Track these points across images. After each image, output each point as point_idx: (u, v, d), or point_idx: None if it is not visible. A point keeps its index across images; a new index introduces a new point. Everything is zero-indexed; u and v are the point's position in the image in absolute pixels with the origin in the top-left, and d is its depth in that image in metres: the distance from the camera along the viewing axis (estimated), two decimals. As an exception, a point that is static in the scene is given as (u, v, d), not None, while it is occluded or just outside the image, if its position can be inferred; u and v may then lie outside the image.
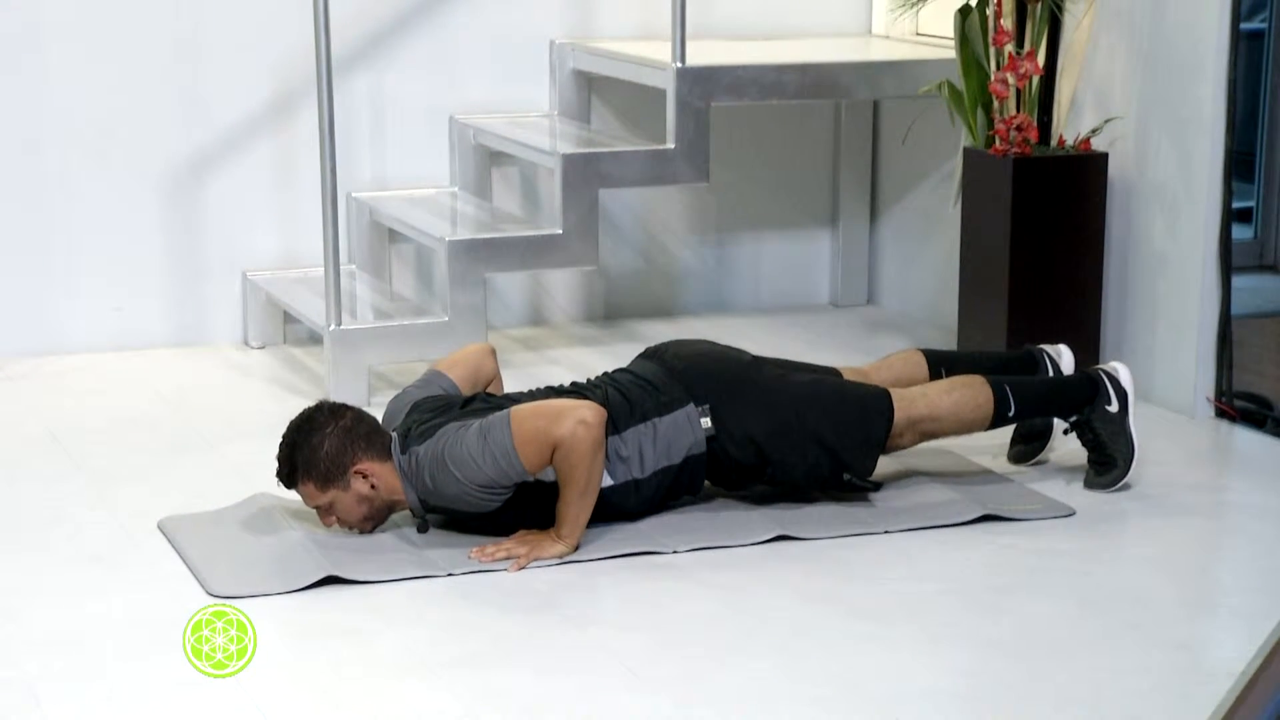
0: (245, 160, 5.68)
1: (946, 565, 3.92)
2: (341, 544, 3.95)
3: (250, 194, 5.69)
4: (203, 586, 3.75)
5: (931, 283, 5.97)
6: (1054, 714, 3.25)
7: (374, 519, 4.00)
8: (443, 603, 3.72)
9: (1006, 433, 4.56)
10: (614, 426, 4.00)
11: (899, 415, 4.15)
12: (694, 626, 3.60)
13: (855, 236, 6.29)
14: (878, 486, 4.21)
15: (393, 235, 5.74)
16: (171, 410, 5.05)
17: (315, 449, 3.91)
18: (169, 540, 4.02)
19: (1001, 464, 4.53)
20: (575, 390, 4.12)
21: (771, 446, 4.09)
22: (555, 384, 4.26)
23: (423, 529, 4.00)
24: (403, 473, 3.94)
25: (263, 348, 5.68)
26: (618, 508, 4.03)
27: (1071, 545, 4.04)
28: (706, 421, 4.07)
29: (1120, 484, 4.33)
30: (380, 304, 5.44)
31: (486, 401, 4.10)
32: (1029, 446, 4.54)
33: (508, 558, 3.87)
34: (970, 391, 4.22)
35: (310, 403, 4.11)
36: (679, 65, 5.29)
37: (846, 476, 4.15)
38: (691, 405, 4.07)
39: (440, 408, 4.04)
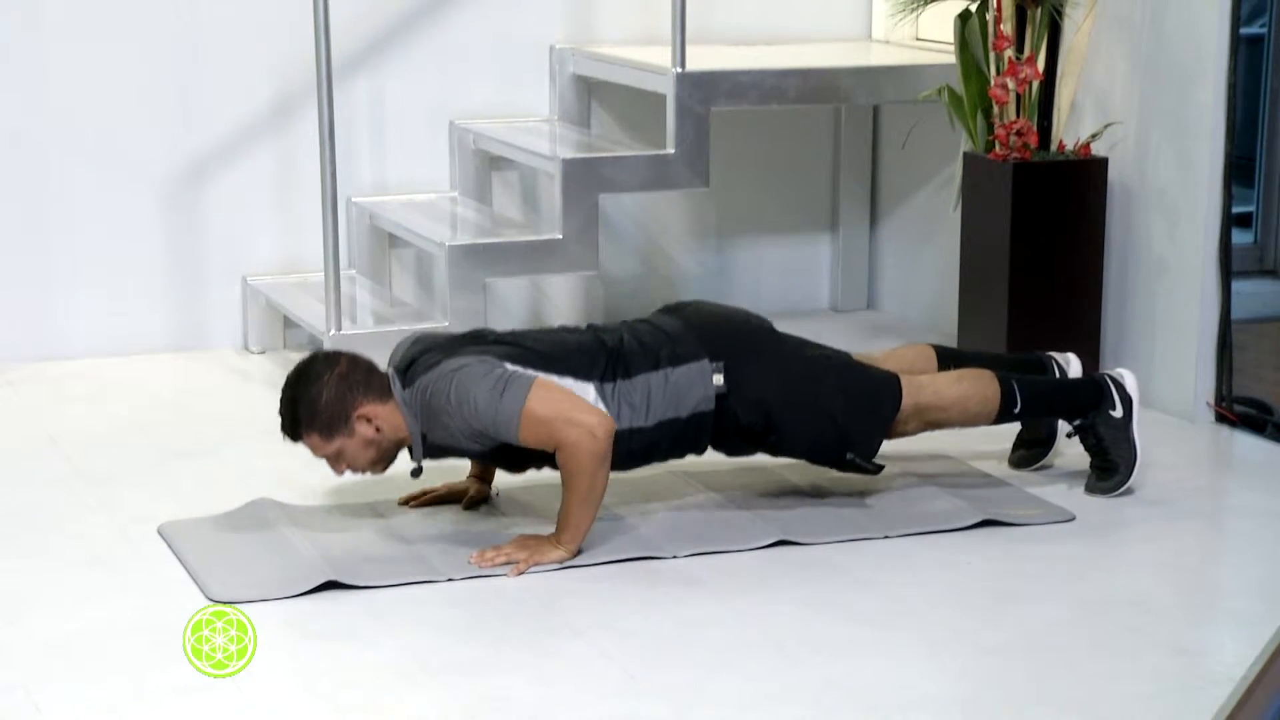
0: (245, 165, 5.68)
1: (947, 570, 3.92)
2: (341, 548, 3.95)
3: (250, 198, 5.69)
4: (203, 591, 3.75)
5: (932, 287, 5.97)
6: (1054, 719, 3.25)
7: (383, 460, 3.98)
8: (442, 608, 3.72)
9: (1008, 438, 4.56)
10: (625, 371, 3.99)
11: (906, 400, 4.15)
12: (693, 632, 3.60)
13: (855, 241, 6.29)
14: (879, 469, 4.19)
15: (393, 240, 5.74)
16: (171, 415, 5.05)
17: (315, 400, 3.90)
18: (169, 545, 4.02)
19: (1002, 469, 4.53)
20: (592, 330, 4.12)
21: (780, 413, 4.08)
22: (571, 325, 4.24)
23: (417, 474, 4.00)
24: (405, 406, 3.92)
25: (263, 352, 5.68)
26: (615, 453, 3.99)
27: (1071, 550, 4.04)
28: (719, 379, 4.05)
29: (1121, 490, 4.32)
30: (380, 309, 5.44)
31: (498, 337, 4.07)
32: (1031, 452, 4.54)
33: (507, 563, 3.87)
34: (978, 384, 4.23)
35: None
36: (679, 70, 5.29)
37: (849, 455, 4.14)
38: (706, 360, 4.05)
39: (446, 343, 4.03)
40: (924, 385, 4.20)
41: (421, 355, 3.98)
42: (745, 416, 4.07)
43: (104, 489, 4.41)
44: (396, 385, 3.94)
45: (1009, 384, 4.25)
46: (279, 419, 3.95)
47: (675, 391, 4.02)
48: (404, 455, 4.03)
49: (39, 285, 5.55)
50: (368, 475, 4.02)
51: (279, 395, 3.96)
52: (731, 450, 4.19)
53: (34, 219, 5.52)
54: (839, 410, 4.11)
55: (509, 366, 3.90)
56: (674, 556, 3.96)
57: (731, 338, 4.12)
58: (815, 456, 4.16)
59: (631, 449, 4.02)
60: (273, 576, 3.82)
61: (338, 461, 3.95)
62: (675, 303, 4.32)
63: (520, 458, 3.99)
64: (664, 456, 4.11)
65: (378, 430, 3.93)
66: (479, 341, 4.03)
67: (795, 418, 4.09)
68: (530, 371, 3.90)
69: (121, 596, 3.76)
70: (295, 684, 3.37)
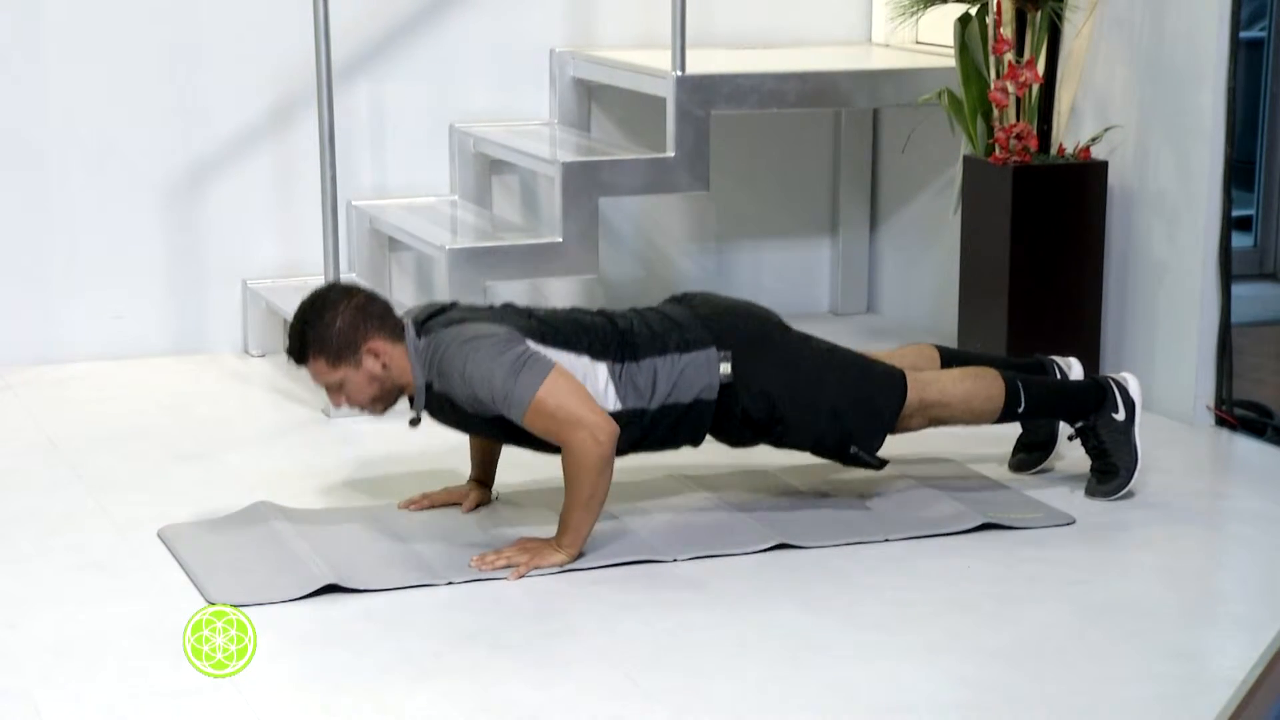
0: (246, 168, 5.68)
1: (947, 574, 3.92)
2: (341, 552, 3.95)
3: (250, 202, 5.70)
4: (202, 595, 3.75)
5: (931, 291, 5.97)
6: (1054, 722, 3.25)
7: (383, 400, 3.98)
8: (442, 611, 3.72)
9: (1008, 441, 4.56)
10: (633, 354, 3.99)
11: (912, 396, 4.15)
12: (693, 635, 3.60)
13: (855, 245, 6.29)
14: (882, 464, 4.19)
15: (393, 243, 5.74)
16: (171, 418, 5.05)
17: (327, 325, 3.89)
18: (169, 548, 4.02)
19: (1002, 472, 4.53)
20: (603, 314, 4.11)
21: (785, 405, 4.08)
22: (584, 307, 4.23)
23: (415, 423, 3.99)
24: (415, 354, 3.92)
25: (263, 356, 5.68)
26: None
27: (1072, 554, 4.03)
28: (726, 367, 4.05)
29: (1121, 493, 4.33)
30: (380, 312, 5.43)
31: (524, 310, 4.06)
32: (1031, 455, 4.54)
33: (508, 566, 3.87)
34: (983, 382, 4.23)
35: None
36: (679, 73, 5.29)
37: (853, 449, 4.14)
38: (714, 349, 4.05)
39: (470, 308, 4.04)
40: (929, 382, 4.21)
41: (442, 312, 3.98)
42: (750, 407, 4.07)
43: (104, 492, 4.41)
44: (410, 332, 3.94)
45: (1014, 383, 4.25)
46: (287, 340, 3.92)
47: (681, 377, 4.02)
48: (403, 404, 4.04)
49: (39, 288, 5.55)
50: (364, 414, 4.00)
51: (292, 317, 3.94)
52: (734, 440, 4.18)
53: (34, 222, 5.52)
54: (844, 405, 4.11)
55: (530, 345, 3.89)
56: (674, 560, 3.96)
57: (739, 329, 4.12)
58: (819, 450, 4.16)
59: (633, 432, 4.01)
60: (272, 580, 3.82)
61: (338, 392, 3.94)
62: (683, 293, 4.31)
63: (515, 434, 3.97)
64: (660, 444, 4.09)
65: (384, 367, 3.92)
66: (503, 313, 4.02)
67: (800, 411, 4.09)
68: (550, 355, 3.90)
69: (121, 599, 3.76)
70: (295, 686, 3.37)
